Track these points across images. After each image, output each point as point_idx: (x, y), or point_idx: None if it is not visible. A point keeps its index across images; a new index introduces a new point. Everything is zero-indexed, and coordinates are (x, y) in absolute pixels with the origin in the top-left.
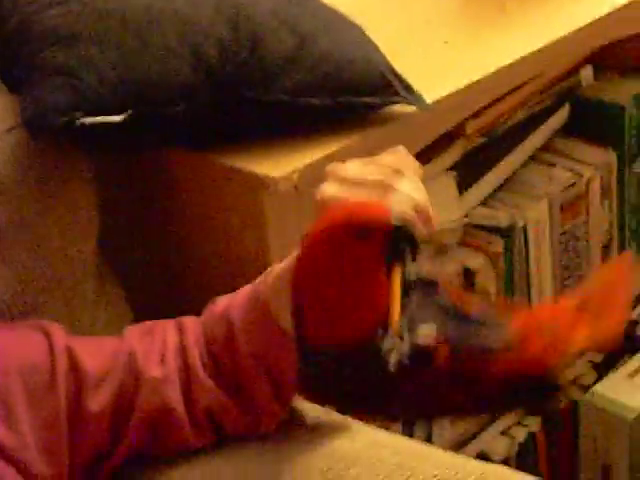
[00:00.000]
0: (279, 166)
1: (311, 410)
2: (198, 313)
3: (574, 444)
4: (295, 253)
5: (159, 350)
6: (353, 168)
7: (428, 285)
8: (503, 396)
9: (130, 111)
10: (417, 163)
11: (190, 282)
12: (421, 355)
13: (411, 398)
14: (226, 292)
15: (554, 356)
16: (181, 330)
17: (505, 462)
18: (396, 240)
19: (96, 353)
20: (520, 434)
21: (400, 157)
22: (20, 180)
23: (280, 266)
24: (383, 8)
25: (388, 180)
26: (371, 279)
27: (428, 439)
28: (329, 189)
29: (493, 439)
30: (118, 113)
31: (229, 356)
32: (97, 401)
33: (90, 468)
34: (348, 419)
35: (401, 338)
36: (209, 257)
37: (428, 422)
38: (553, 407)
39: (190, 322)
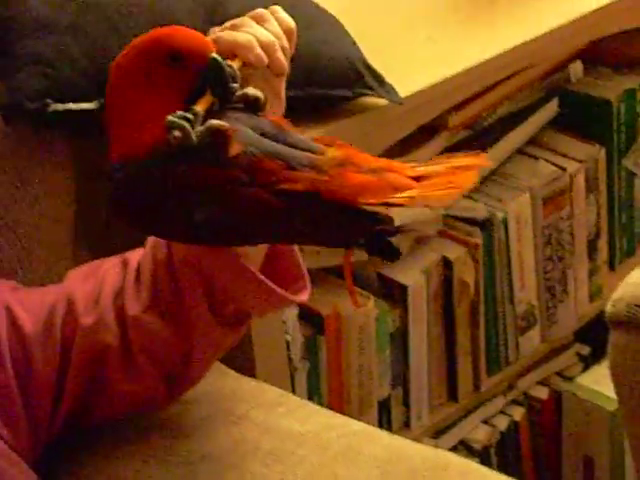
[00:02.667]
0: None
1: (267, 391)
2: None
3: (557, 434)
4: None
5: (96, 292)
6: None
7: (249, 106)
8: (312, 219)
9: (102, 99)
10: (288, 18)
11: None
12: (210, 143)
13: (210, 197)
14: None
15: (372, 195)
16: (124, 265)
17: (486, 450)
18: (211, 72)
19: (36, 308)
20: (502, 423)
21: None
22: None
23: None
24: (370, 2)
25: (241, 21)
26: (169, 101)
27: (406, 425)
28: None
29: (474, 427)
30: (90, 101)
31: (168, 272)
32: (44, 360)
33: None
34: (303, 401)
35: (189, 122)
36: None
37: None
38: (383, 252)
39: (134, 255)
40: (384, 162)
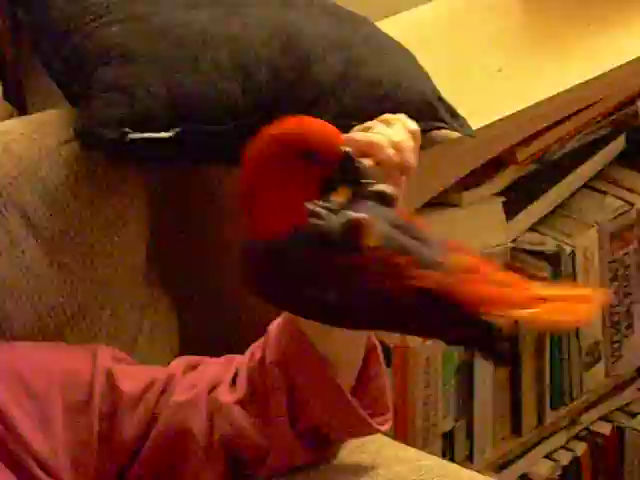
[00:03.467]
0: None
1: None
2: (241, 322)
3: (619, 471)
4: None
5: (194, 379)
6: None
7: (380, 200)
8: (431, 316)
9: (178, 128)
10: (412, 123)
11: (235, 294)
12: (350, 232)
13: (344, 281)
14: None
15: (494, 306)
16: (227, 362)
17: None
18: (345, 166)
19: (136, 378)
20: (565, 458)
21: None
22: (72, 190)
23: None
24: (441, 34)
25: (371, 124)
26: (305, 192)
27: (469, 458)
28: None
29: (537, 462)
30: (167, 130)
31: (260, 372)
32: (130, 426)
33: None
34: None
35: (330, 211)
36: None
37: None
38: (496, 358)
39: (239, 357)
40: (508, 276)
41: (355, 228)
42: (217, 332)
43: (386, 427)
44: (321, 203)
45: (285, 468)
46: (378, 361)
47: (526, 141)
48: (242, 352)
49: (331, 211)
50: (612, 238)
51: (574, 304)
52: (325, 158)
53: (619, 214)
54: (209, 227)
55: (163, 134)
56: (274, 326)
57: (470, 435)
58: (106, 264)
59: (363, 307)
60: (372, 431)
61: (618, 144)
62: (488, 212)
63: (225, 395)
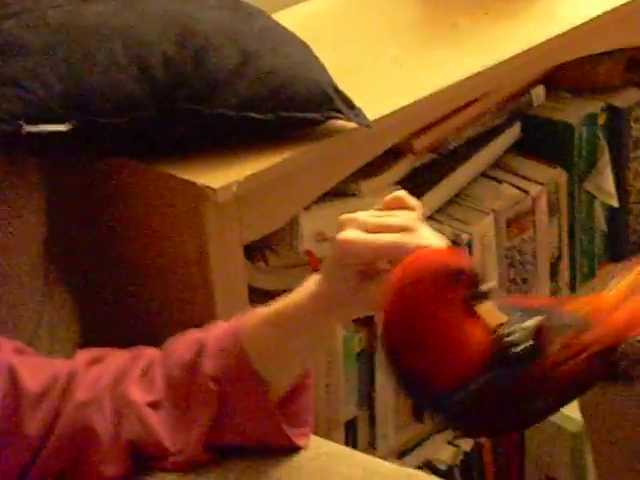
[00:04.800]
0: (220, 177)
1: None
2: (141, 313)
3: (520, 455)
4: (295, 292)
5: (99, 373)
6: (369, 215)
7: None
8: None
9: (74, 121)
10: (418, 203)
11: (135, 285)
12: (536, 341)
13: (552, 384)
14: (166, 296)
15: (633, 327)
16: (135, 357)
17: (450, 470)
18: (477, 280)
19: (38, 373)
20: (466, 443)
21: (406, 204)
22: None
23: (265, 311)
24: (337, 26)
25: (412, 224)
26: (464, 317)
27: (371, 445)
28: (353, 233)
29: (439, 448)
30: (62, 123)
31: (189, 377)
32: (33, 424)
33: None
34: None
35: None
36: (151, 263)
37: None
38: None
39: (149, 350)
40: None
41: (541, 333)
42: (119, 324)
43: (304, 442)
44: (508, 326)
45: (185, 469)
46: (310, 377)
47: (423, 131)
48: (144, 344)
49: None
50: (508, 225)
51: None
52: (470, 276)
53: (515, 202)
54: (108, 219)
55: (59, 127)
56: (213, 337)
57: (372, 422)
58: (3, 257)
59: (564, 399)
60: (289, 443)
61: (513, 132)
62: None
63: (135, 393)
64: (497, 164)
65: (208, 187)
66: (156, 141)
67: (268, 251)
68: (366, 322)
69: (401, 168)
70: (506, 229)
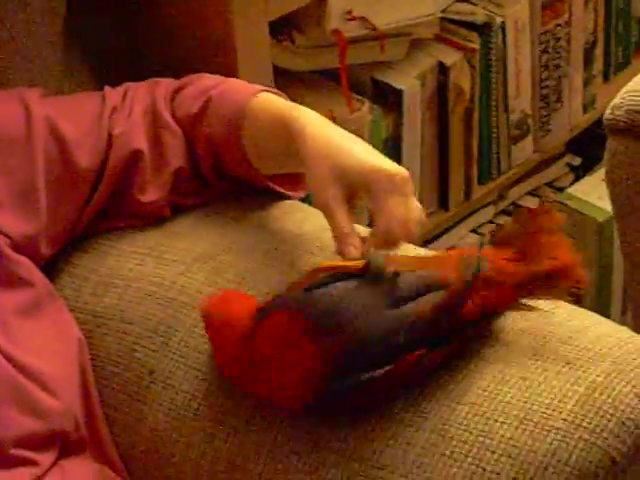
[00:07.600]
0: None
1: None
2: None
3: None
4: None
5: (129, 105)
6: None
7: None
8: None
9: None
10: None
11: (155, 56)
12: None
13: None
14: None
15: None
16: (155, 84)
17: None
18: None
19: (75, 118)
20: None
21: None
22: None
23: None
24: None
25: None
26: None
27: None
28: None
29: (463, 236)
30: None
31: (190, 127)
32: (84, 158)
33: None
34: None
35: None
36: (174, 31)
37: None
38: None
39: (165, 80)
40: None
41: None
42: None
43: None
44: None
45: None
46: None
47: None
48: None
49: None
50: (544, 9)
51: None
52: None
53: None
54: None
55: None
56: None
57: None
58: (21, 33)
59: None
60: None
61: None
62: None
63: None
64: None
65: None
66: None
67: (295, 30)
68: (393, 107)
69: None
70: (541, 12)
